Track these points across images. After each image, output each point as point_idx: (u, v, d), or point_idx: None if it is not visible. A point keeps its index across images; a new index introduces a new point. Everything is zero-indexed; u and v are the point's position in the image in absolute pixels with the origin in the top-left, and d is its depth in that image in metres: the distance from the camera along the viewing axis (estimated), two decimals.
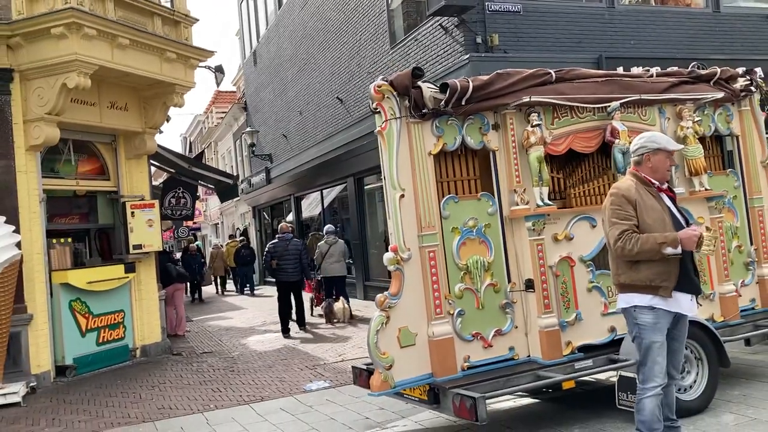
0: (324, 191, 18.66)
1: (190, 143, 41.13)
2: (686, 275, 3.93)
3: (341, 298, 12.48)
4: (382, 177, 5.41)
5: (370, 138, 13.79)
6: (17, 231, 8.00)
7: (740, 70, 6.48)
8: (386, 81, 4.98)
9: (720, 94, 6.06)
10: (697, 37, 12.15)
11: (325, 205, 18.92)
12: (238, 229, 27.87)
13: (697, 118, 5.97)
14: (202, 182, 13.84)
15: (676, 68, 6.41)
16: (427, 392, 4.92)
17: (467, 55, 10.14)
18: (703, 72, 6.22)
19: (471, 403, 4.45)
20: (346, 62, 15.61)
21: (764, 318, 6.08)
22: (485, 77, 5.23)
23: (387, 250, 4.97)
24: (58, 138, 8.56)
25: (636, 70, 6.39)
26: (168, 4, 9.94)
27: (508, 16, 10.96)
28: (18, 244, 7.84)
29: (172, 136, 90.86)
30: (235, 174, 19.62)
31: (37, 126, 8.34)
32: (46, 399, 7.77)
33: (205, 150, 23.86)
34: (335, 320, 12.15)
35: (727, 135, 6.38)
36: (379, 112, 5.03)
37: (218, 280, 22.72)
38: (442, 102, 5.01)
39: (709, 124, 6.18)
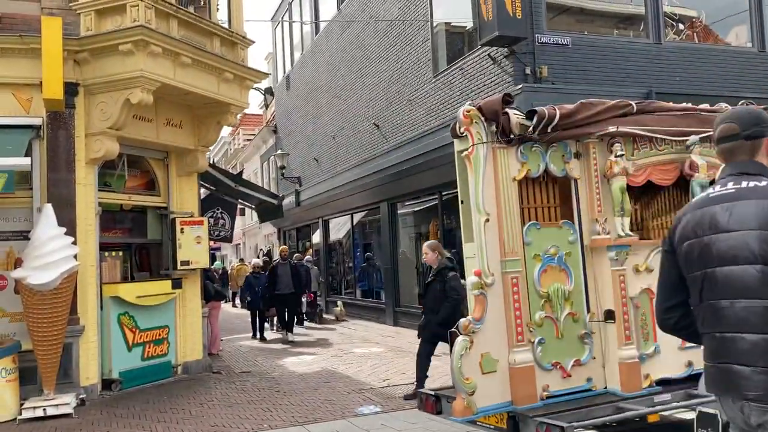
0: (354, 215, 18.72)
1: (214, 163, 41.41)
2: None
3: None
4: (459, 201, 5.44)
5: (408, 165, 13.88)
6: (74, 243, 8.05)
7: None
8: (474, 106, 5.02)
9: None
10: (743, 75, 12.17)
11: (356, 229, 18.97)
12: (261, 250, 27.94)
13: None
14: (243, 201, 13.89)
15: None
16: (507, 420, 4.87)
17: (520, 85, 10.20)
18: None
19: None
20: (385, 89, 15.74)
21: None
22: (570, 106, 5.26)
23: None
24: (117, 152, 8.67)
25: (705, 106, 6.40)
26: (224, 25, 10.11)
27: (557, 49, 11.04)
28: (75, 256, 7.90)
29: None
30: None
31: (98, 140, 8.46)
32: (96, 411, 7.76)
33: (242, 171, 23.97)
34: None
35: None
36: (465, 136, 5.07)
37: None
38: (530, 129, 5.04)
39: None
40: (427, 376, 7.65)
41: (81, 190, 8.43)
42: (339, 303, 18.43)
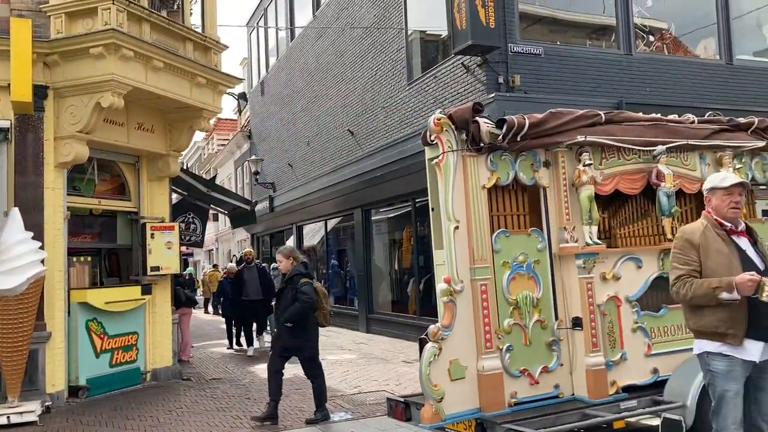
0: (329, 221, 18.71)
1: (187, 168, 41.11)
2: (756, 321, 3.75)
3: None
4: (430, 208, 5.48)
5: (382, 171, 13.90)
6: (42, 247, 7.93)
7: None
8: (445, 114, 5.06)
9: (762, 143, 6.19)
10: (711, 87, 12.40)
11: (330, 235, 18.95)
12: (234, 256, 27.75)
13: (737, 166, 6.09)
14: (215, 207, 13.78)
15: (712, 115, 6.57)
16: (475, 427, 4.90)
17: (493, 94, 10.28)
18: (742, 121, 6.36)
19: None
20: (360, 96, 15.77)
21: None
22: (539, 115, 5.32)
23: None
24: (87, 156, 8.56)
25: (673, 117, 6.51)
26: (198, 30, 10.04)
27: (530, 58, 11.14)
28: (43, 261, 7.78)
29: None
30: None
31: (68, 143, 8.34)
32: (62, 419, 7.63)
33: (215, 176, 23.77)
34: None
35: (763, 184, 6.49)
36: (436, 144, 5.11)
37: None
38: (499, 137, 5.09)
39: (746, 172, 6.28)
40: (281, 394, 7.37)
41: (49, 194, 8.31)
42: None
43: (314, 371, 7.35)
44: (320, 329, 7.45)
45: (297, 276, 7.13)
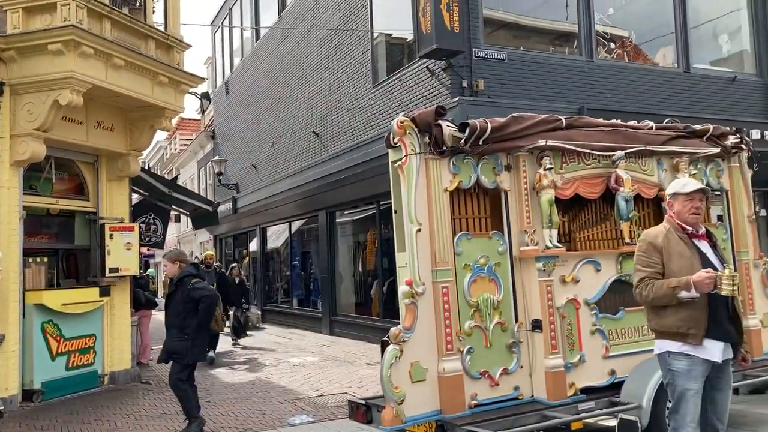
0: (293, 223, 18.61)
1: (149, 168, 40.47)
2: (716, 322, 3.88)
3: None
4: (393, 210, 5.48)
5: (347, 173, 13.88)
6: None
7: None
8: (409, 117, 5.08)
9: (716, 150, 6.35)
10: (669, 94, 12.66)
11: (294, 237, 18.86)
12: (197, 257, 27.42)
13: (693, 172, 6.22)
14: (177, 207, 13.59)
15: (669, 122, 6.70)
16: (435, 429, 4.91)
17: (456, 98, 10.35)
18: (698, 128, 6.51)
19: None
20: (325, 97, 15.73)
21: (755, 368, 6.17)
22: (502, 119, 5.37)
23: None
24: (44, 154, 8.38)
25: (632, 123, 6.63)
26: (160, 28, 9.90)
27: (494, 63, 11.24)
28: None
29: None
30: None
31: (24, 141, 8.16)
32: (15, 424, 7.44)
33: (177, 176, 23.40)
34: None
35: (717, 190, 6.65)
36: (399, 146, 5.13)
37: None
38: (462, 141, 5.13)
39: (701, 177, 6.43)
40: (199, 407, 6.82)
41: (4, 193, 8.11)
42: (257, 311, 19.05)
43: (183, 379, 6.64)
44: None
45: (187, 277, 6.68)
